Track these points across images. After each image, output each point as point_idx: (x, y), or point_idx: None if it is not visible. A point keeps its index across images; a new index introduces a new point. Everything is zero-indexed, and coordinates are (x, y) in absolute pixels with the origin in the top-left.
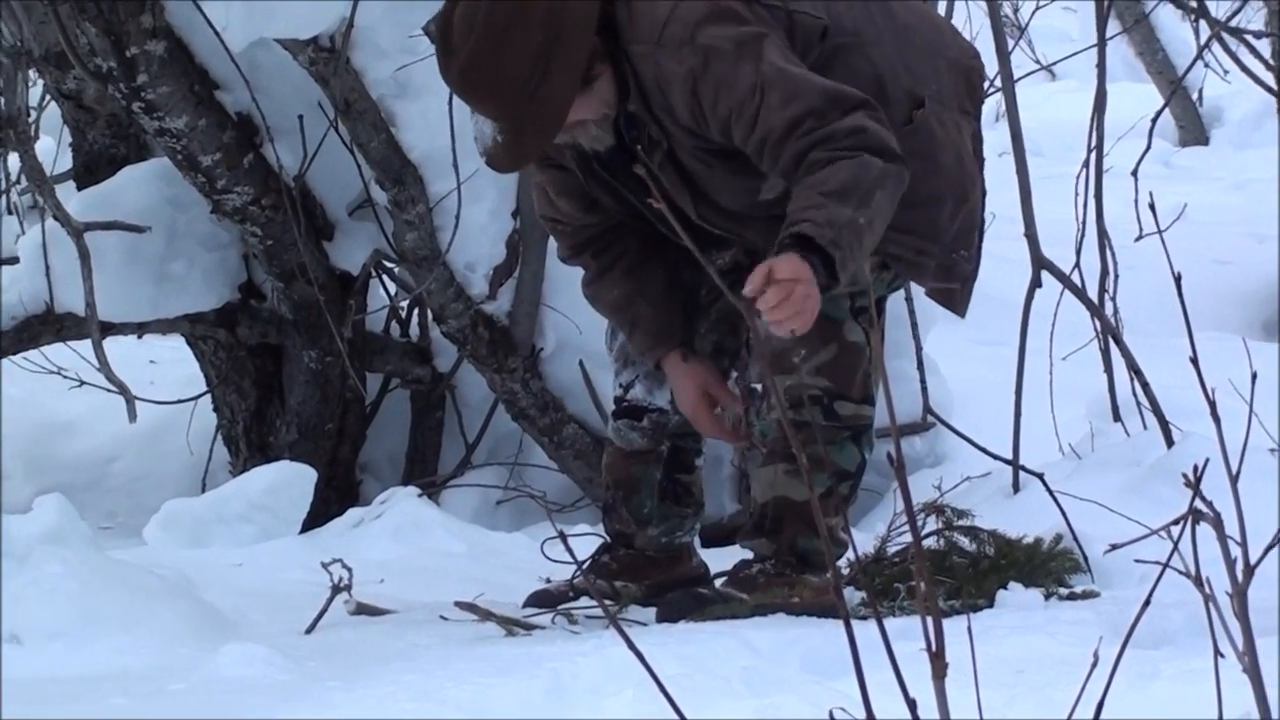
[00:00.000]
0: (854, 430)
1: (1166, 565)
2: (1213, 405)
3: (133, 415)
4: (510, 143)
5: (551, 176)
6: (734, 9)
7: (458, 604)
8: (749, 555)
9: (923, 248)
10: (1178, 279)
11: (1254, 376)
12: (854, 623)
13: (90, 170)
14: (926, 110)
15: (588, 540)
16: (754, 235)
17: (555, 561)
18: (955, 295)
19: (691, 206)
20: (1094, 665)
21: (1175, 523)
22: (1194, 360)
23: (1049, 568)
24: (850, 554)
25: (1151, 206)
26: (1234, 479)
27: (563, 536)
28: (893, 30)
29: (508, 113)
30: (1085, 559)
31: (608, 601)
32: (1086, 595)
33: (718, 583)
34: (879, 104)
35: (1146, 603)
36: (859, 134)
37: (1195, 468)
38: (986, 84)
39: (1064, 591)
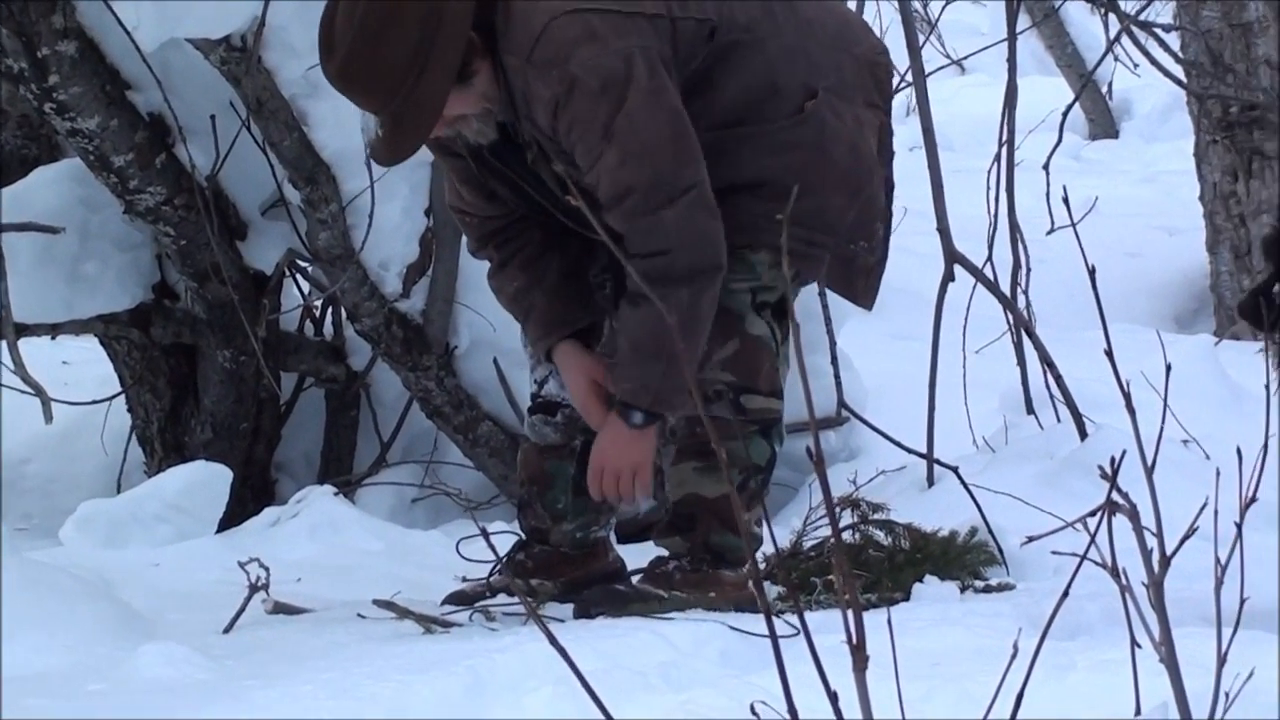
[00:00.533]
0: (763, 424)
1: (1084, 557)
2: (1128, 398)
3: (49, 416)
4: (389, 136)
5: (454, 164)
6: (611, 26)
7: (375, 602)
8: (664, 553)
9: (812, 238)
10: (1092, 272)
11: (1168, 369)
12: (773, 618)
13: (1, 171)
14: (819, 100)
15: (503, 538)
16: None
17: (471, 560)
18: (858, 288)
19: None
20: (1013, 656)
21: (1091, 514)
22: (1109, 353)
23: (964, 561)
24: (768, 548)
25: (1065, 200)
26: (1149, 471)
27: (485, 534)
28: (794, 24)
29: (385, 108)
30: (1000, 551)
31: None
32: (1002, 588)
33: (635, 579)
34: (771, 96)
35: (1064, 594)
36: (661, 258)
37: (1112, 460)
38: (896, 79)
39: (979, 584)
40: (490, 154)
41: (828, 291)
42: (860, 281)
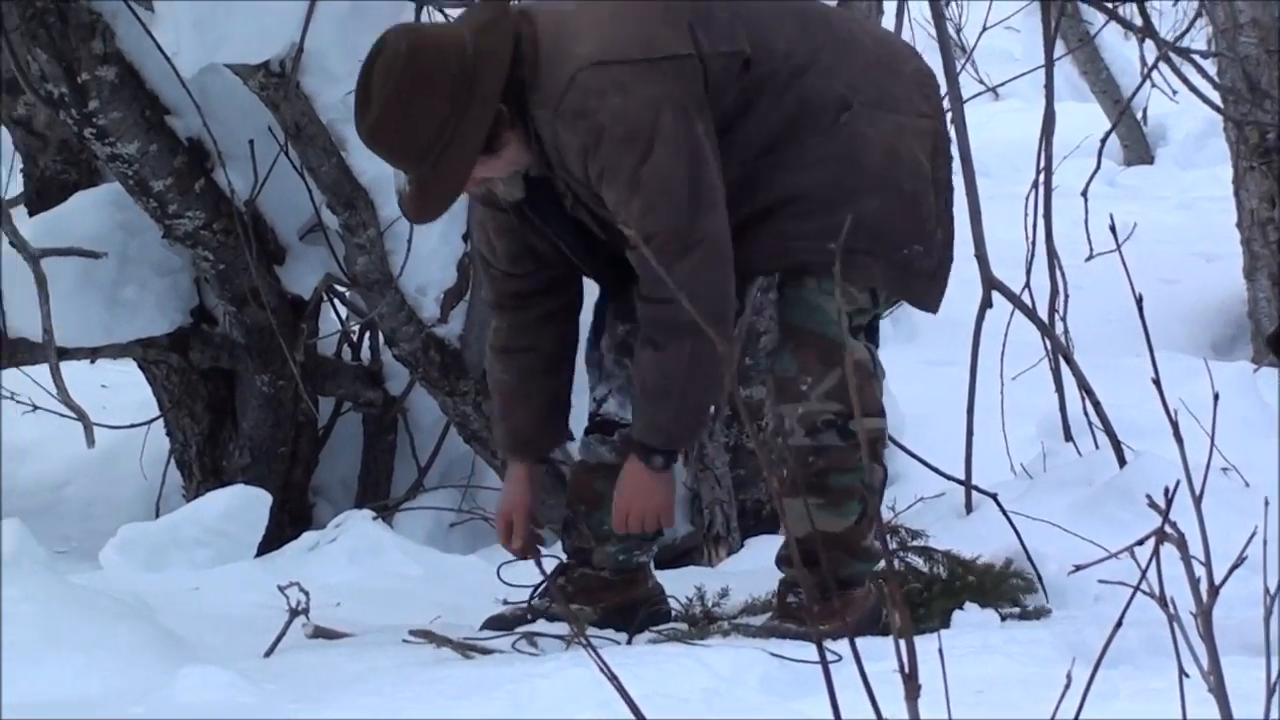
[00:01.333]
0: (870, 445)
1: (1137, 588)
2: (1175, 426)
3: (90, 440)
4: (415, 197)
5: (495, 216)
6: (637, 76)
7: (412, 632)
8: (784, 580)
9: (850, 247)
10: (1139, 300)
11: (1216, 397)
12: (807, 643)
13: (41, 196)
14: (853, 113)
15: (544, 562)
16: None
17: (511, 585)
18: (919, 291)
19: (605, 242)
20: (1067, 686)
21: (1139, 543)
22: (1156, 381)
23: (1003, 589)
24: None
25: (1112, 227)
26: (1198, 499)
27: (537, 557)
28: (833, 45)
29: (413, 173)
30: (1039, 578)
31: (563, 624)
32: (1039, 613)
33: (766, 618)
34: (807, 118)
35: (1118, 624)
36: (667, 306)
37: (1166, 490)
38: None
39: (1018, 611)
40: (529, 209)
41: None
42: (919, 285)
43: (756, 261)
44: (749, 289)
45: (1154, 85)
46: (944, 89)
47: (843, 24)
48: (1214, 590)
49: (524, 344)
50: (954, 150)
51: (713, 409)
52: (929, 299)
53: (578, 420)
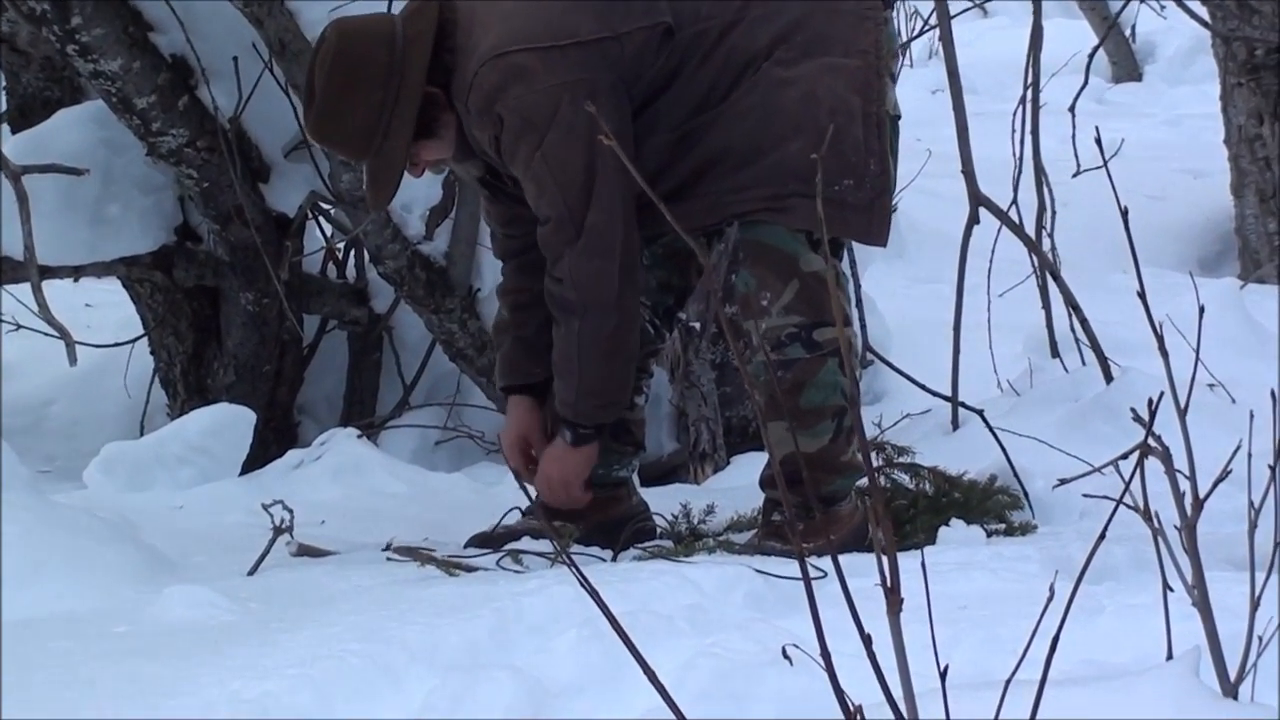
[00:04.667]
0: (836, 352)
1: (1119, 501)
2: (1160, 340)
3: (73, 359)
4: (369, 185)
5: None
6: (541, 61)
7: (397, 550)
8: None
9: (777, 192)
10: (1125, 213)
11: (1201, 310)
12: (791, 560)
13: (24, 114)
14: (773, 60)
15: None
16: None
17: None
18: (857, 226)
19: None
20: (1049, 600)
21: (1124, 457)
22: (1142, 295)
23: (989, 505)
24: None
25: (1098, 141)
26: (1182, 414)
27: (517, 476)
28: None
29: (359, 162)
30: (1025, 495)
31: (546, 541)
32: (1024, 529)
33: (753, 536)
34: (734, 74)
35: (1100, 537)
36: (558, 285)
37: (1150, 402)
38: (920, 23)
39: (1003, 527)
40: (490, 186)
41: None
42: (856, 220)
43: (697, 219)
44: (710, 245)
45: (1142, 1)
46: (929, 6)
47: None
48: (1198, 504)
49: (513, 285)
50: (926, 73)
51: (624, 389)
52: (869, 233)
53: None
